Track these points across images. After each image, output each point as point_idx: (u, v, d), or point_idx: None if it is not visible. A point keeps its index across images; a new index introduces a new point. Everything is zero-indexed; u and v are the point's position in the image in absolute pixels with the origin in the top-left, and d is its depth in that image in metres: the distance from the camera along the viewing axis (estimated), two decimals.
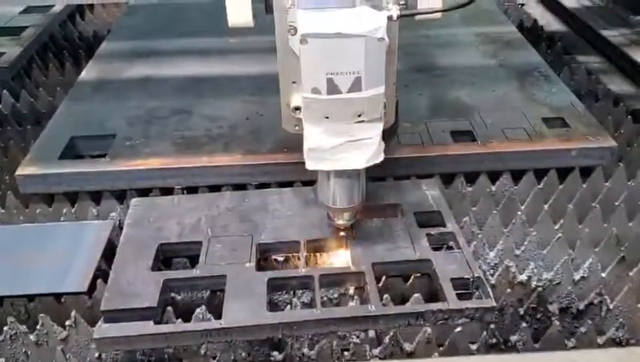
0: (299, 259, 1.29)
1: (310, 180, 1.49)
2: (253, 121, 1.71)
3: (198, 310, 1.22)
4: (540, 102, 1.77)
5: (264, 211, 1.41)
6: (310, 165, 1.17)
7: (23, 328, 1.26)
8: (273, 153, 1.57)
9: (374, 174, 1.49)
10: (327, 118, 1.11)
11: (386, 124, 1.17)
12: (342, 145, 1.13)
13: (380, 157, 1.17)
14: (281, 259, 1.35)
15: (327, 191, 1.25)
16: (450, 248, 1.32)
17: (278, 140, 1.59)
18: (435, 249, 1.31)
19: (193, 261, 1.34)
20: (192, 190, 1.56)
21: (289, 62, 1.17)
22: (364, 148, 1.14)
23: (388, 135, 1.35)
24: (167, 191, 1.56)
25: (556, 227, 1.49)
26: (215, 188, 1.55)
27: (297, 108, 1.18)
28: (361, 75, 1.06)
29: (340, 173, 1.20)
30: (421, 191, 1.45)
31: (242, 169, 1.56)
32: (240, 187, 1.56)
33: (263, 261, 1.34)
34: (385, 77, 1.09)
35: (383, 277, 1.29)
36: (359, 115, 1.10)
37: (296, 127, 1.22)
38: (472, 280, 1.22)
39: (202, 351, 1.25)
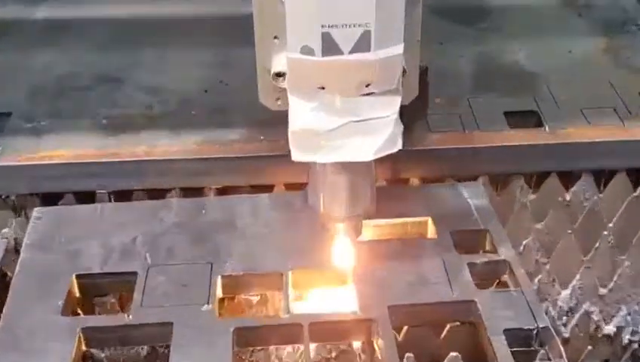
0: (280, 299, 1.30)
1: (297, 183, 1.50)
2: (215, 93, 1.71)
3: None
4: (637, 70, 1.79)
5: (230, 227, 1.42)
6: (297, 155, 1.17)
7: None
8: (243, 142, 1.58)
9: (392, 174, 1.53)
10: (323, 88, 1.12)
11: (405, 99, 1.18)
12: (343, 128, 1.14)
13: (397, 146, 1.18)
14: (254, 298, 1.36)
15: (321, 193, 1.26)
16: (503, 284, 1.33)
17: (251, 123, 1.59)
18: (482, 285, 1.32)
19: (124, 301, 1.34)
20: (123, 196, 1.57)
21: (269, 9, 1.17)
22: (375, 133, 1.16)
23: (411, 116, 1.39)
24: (85, 198, 1.56)
25: None
26: (157, 194, 1.56)
27: (280, 75, 1.18)
28: (370, 28, 1.06)
29: (341, 167, 1.21)
30: (461, 200, 1.47)
31: (198, 165, 1.56)
32: (194, 192, 1.56)
33: (229, 302, 1.34)
34: (405, 31, 1.10)
35: (404, 328, 1.31)
36: (367, 86, 1.12)
37: (279, 102, 1.23)
38: (535, 331, 1.23)
39: None
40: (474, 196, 1.48)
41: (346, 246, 1.32)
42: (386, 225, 1.42)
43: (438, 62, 1.67)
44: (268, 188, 1.56)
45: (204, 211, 1.46)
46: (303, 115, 1.14)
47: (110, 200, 1.56)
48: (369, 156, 1.17)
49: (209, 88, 1.73)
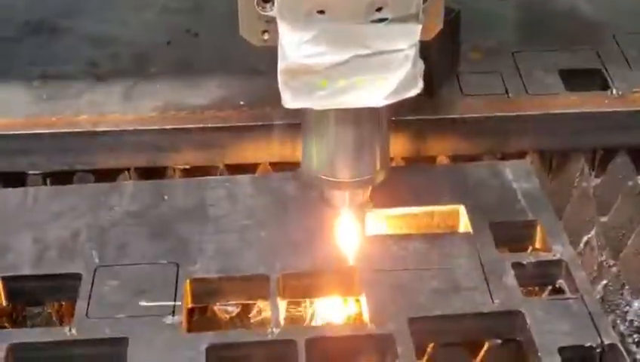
0: (267, 309, 1.30)
1: (287, 162, 1.49)
2: (180, 45, 1.69)
3: None
4: None
5: (200, 218, 1.41)
6: (289, 101, 1.17)
7: None
8: (217, 109, 1.56)
9: (413, 150, 1.51)
10: (322, 12, 1.11)
11: (427, 32, 1.17)
12: (347, 64, 1.13)
13: (417, 88, 1.17)
14: (232, 309, 1.35)
15: (318, 151, 1.27)
16: (557, 291, 1.31)
17: (227, 84, 1.58)
18: (530, 292, 1.33)
19: (65, 311, 1.35)
20: (61, 177, 1.55)
21: None
22: (388, 70, 1.15)
23: (438, 74, 1.39)
24: (14, 180, 1.54)
25: None
26: (107, 176, 1.54)
27: (267, 0, 1.17)
28: None
29: (344, 116, 1.22)
30: (503, 184, 1.46)
31: (158, 138, 1.54)
32: (154, 173, 1.55)
33: (200, 313, 1.33)
34: None
35: (430, 346, 1.30)
36: (379, 10, 1.11)
37: (266, 36, 1.20)
38: (599, 350, 1.21)
39: None
40: (520, 178, 1.47)
41: (350, 225, 1.32)
42: (405, 215, 1.41)
43: (473, 4, 1.64)
44: (249, 168, 1.54)
45: (166, 197, 1.45)
46: (297, 48, 1.13)
47: (45, 184, 1.55)
48: (380, 100, 1.16)
49: (173, 38, 1.71)
